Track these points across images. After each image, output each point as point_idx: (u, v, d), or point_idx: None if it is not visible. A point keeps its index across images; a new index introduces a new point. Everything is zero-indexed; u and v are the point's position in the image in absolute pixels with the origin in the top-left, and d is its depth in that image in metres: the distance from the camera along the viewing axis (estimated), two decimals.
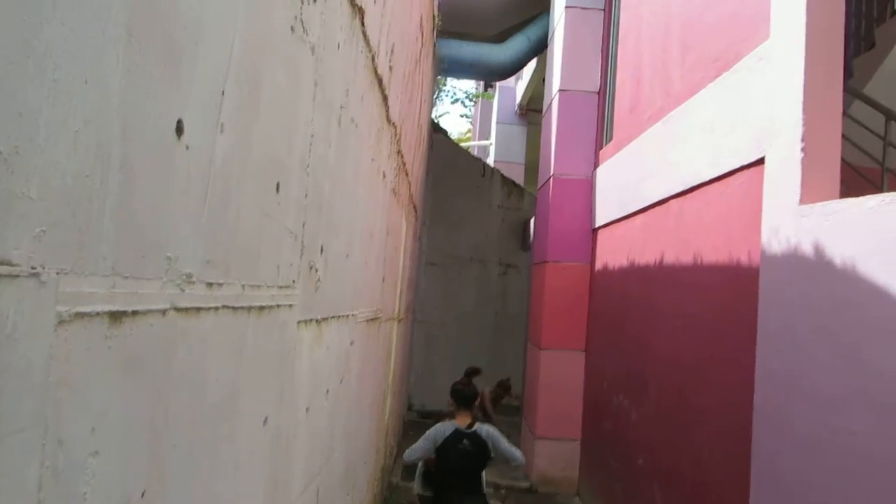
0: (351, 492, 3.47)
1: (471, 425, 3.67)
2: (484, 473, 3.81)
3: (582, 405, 6.41)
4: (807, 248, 2.42)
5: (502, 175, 10.61)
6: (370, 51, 2.85)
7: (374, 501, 4.76)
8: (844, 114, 3.82)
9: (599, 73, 6.55)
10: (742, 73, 3.15)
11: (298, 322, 1.92)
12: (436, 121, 11.28)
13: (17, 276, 0.67)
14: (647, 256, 4.64)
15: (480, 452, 3.64)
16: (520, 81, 13.82)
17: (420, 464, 4.21)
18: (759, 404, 2.73)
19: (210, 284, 1.20)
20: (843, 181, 2.61)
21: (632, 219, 5.06)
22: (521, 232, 10.23)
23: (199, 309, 1.15)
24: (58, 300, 0.74)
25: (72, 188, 0.75)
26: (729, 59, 3.32)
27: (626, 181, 5.25)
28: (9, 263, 0.65)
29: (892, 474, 2.00)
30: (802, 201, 2.52)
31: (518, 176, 13.15)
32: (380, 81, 3.21)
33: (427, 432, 3.72)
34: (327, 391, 2.49)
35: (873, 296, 2.06)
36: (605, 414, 5.52)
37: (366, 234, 3.29)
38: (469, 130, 22.23)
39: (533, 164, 12.47)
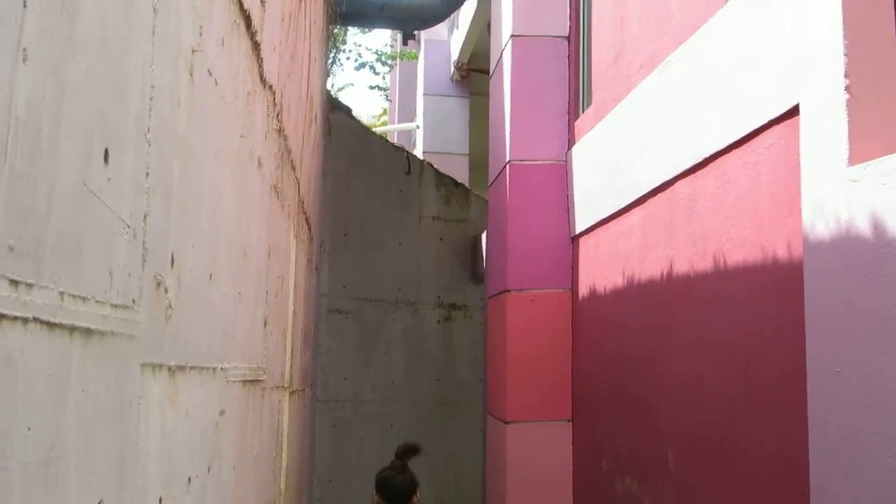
0: None
1: None
2: None
3: (572, 498, 6.53)
4: (863, 222, 2.62)
5: (437, 171, 10.72)
6: None
7: None
8: None
9: (569, 10, 6.81)
10: None
11: (143, 365, 1.96)
12: (334, 95, 11.38)
13: None
14: (650, 268, 4.84)
15: None
16: (455, 32, 14.11)
17: None
18: (816, 429, 2.92)
19: (15, 283, 1.25)
20: None
21: (626, 215, 5.27)
22: (469, 254, 10.35)
23: (1, 317, 1.20)
24: None
25: None
26: None
27: (614, 161, 5.48)
28: None
29: None
30: (852, 161, 2.73)
31: (461, 173, 13.34)
32: (247, 20, 3.30)
33: None
34: (189, 480, 2.52)
35: None
36: None
37: (237, 251, 3.35)
38: (385, 111, 22.44)
39: (481, 154, 12.69)
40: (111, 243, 1.69)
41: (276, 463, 5.15)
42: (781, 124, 3.25)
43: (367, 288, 10.08)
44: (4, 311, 1.20)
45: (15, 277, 1.24)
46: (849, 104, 2.77)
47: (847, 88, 2.77)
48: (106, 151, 1.64)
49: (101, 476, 1.64)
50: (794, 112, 3.15)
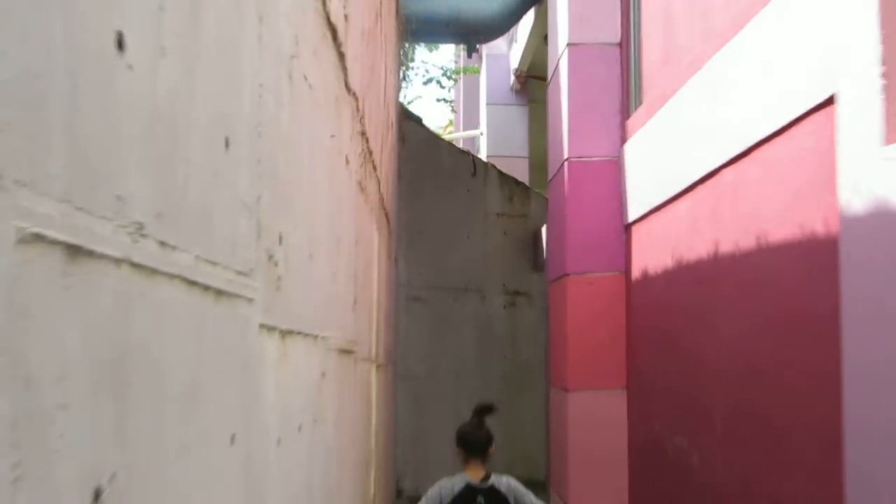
0: None
1: (486, 478, 3.79)
2: None
3: (627, 460, 6.54)
4: None
5: (500, 172, 10.75)
6: None
7: None
8: None
9: (619, 19, 6.80)
10: None
11: (260, 325, 2.06)
12: (406, 106, 11.49)
13: None
14: (697, 250, 4.83)
15: None
16: (514, 45, 14.11)
17: None
18: (851, 395, 2.89)
19: (163, 244, 1.34)
20: None
21: (675, 203, 5.26)
22: (530, 246, 10.37)
23: (153, 271, 1.29)
24: (17, 212, 0.88)
25: (21, 87, 0.90)
26: None
27: (663, 155, 5.46)
28: None
29: None
30: (888, 141, 2.71)
31: (521, 173, 13.34)
32: (334, 33, 3.39)
33: (429, 491, 3.84)
34: (299, 427, 2.62)
35: None
36: (659, 465, 5.66)
37: (331, 238, 3.45)
38: (451, 122, 22.53)
39: (540, 156, 12.67)
40: (233, 219, 1.78)
41: (368, 425, 5.26)
42: (820, 112, 3.23)
43: (439, 278, 10.18)
44: (156, 266, 1.29)
45: (162, 239, 1.32)
46: (884, 88, 2.75)
47: (883, 74, 2.75)
48: (227, 140, 1.73)
49: (232, 414, 1.73)
50: (830, 101, 3.13)
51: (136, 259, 1.21)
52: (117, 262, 1.14)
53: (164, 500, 1.30)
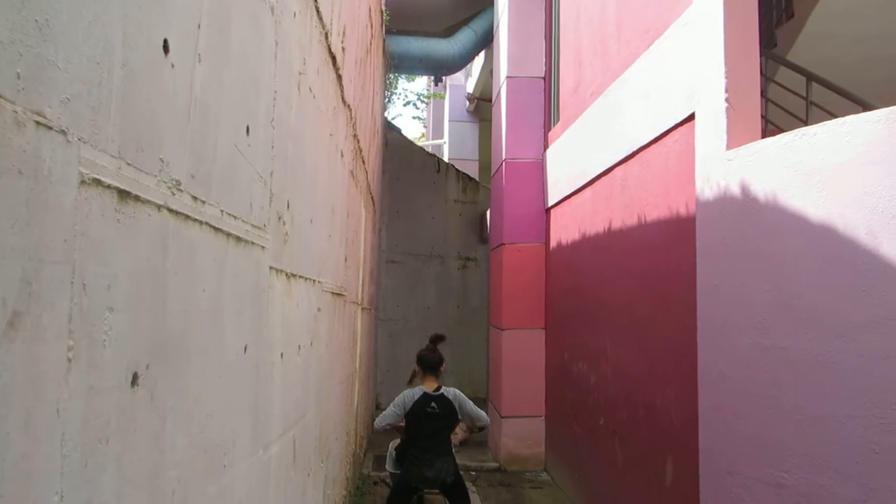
0: (325, 461, 3.59)
1: (437, 389, 3.83)
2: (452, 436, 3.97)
3: (545, 381, 6.63)
4: (734, 188, 2.65)
5: (457, 170, 10.81)
6: (323, 27, 3.00)
7: (346, 483, 4.86)
8: (770, 79, 4.13)
9: (544, 59, 6.80)
10: (671, 39, 3.40)
11: (271, 267, 2.05)
12: (390, 120, 11.43)
13: (51, 128, 0.81)
14: (596, 226, 4.88)
15: (448, 414, 3.80)
16: (470, 79, 14.09)
17: (391, 446, 4.35)
18: (702, 322, 2.96)
19: (195, 198, 1.33)
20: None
21: (580, 193, 5.30)
22: (478, 225, 10.44)
23: (187, 217, 1.28)
24: (80, 161, 0.88)
25: (87, 69, 0.89)
26: (659, 28, 3.57)
27: (573, 158, 5.49)
28: (44, 115, 0.79)
29: (817, 384, 2.24)
30: (729, 147, 2.76)
31: (473, 172, 13.36)
32: (333, 59, 3.36)
33: (396, 399, 3.87)
34: (299, 347, 2.62)
35: (791, 219, 2.30)
36: (567, 384, 5.73)
37: (327, 209, 3.43)
38: (423, 134, 22.42)
39: (486, 160, 12.73)
40: (251, 186, 1.77)
41: (354, 351, 5.26)
42: (683, 126, 3.28)
43: (411, 246, 10.25)
44: (189, 213, 1.29)
45: (195, 194, 1.32)
46: (727, 111, 2.80)
47: (727, 100, 2.80)
48: (248, 127, 1.72)
49: (246, 331, 1.74)
50: (691, 118, 3.17)
51: (174, 206, 1.21)
52: (158, 207, 1.14)
53: (188, 389, 1.31)
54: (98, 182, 0.92)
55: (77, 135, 0.86)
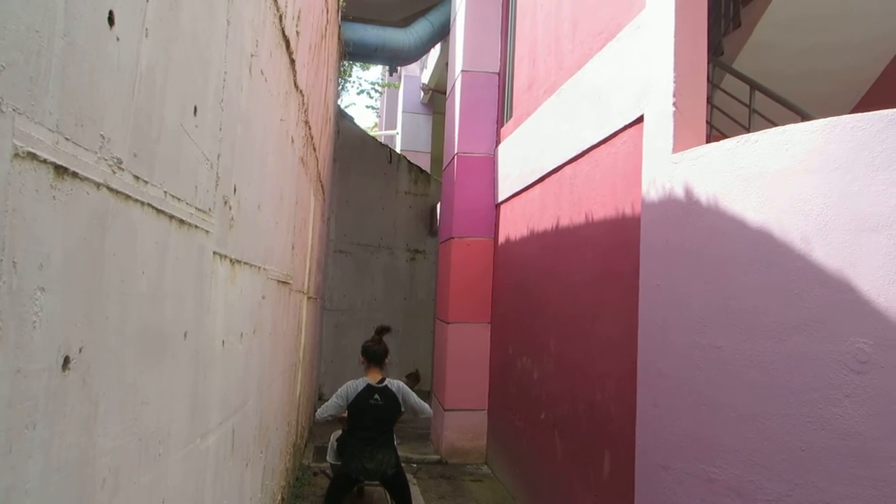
0: (265, 452, 3.54)
1: (381, 381, 3.82)
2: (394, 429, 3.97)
3: (488, 375, 6.68)
4: (679, 190, 2.72)
5: (409, 161, 10.76)
6: (278, 10, 2.94)
7: (286, 474, 4.81)
8: (717, 86, 4.25)
9: (499, 54, 6.83)
10: (623, 41, 3.46)
11: (214, 252, 2.00)
12: (343, 109, 11.30)
13: None
14: (544, 223, 4.94)
15: (391, 407, 3.79)
16: (425, 70, 14.04)
17: (332, 437, 4.32)
18: (643, 321, 3.03)
19: (137, 178, 1.29)
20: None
21: (530, 190, 5.35)
22: (428, 217, 10.44)
23: (128, 197, 1.24)
24: (14, 133, 0.84)
25: (25, 37, 0.85)
26: (612, 30, 3.63)
27: (525, 155, 5.54)
28: None
29: (749, 383, 2.33)
30: (675, 150, 2.83)
31: (425, 164, 13.36)
32: (287, 43, 3.29)
33: (339, 390, 3.85)
34: (241, 335, 2.57)
35: (731, 223, 2.38)
36: (510, 378, 5.80)
37: (276, 196, 3.37)
38: (376, 124, 22.25)
39: (439, 153, 12.73)
40: (196, 168, 1.72)
41: (298, 340, 5.20)
42: (632, 128, 3.34)
43: (360, 237, 10.18)
44: (130, 194, 1.25)
45: (137, 174, 1.28)
46: (674, 115, 2.87)
47: (674, 104, 2.86)
48: (195, 108, 1.67)
49: (187, 317, 1.69)
50: (640, 120, 3.24)
51: (114, 185, 1.17)
52: (98, 185, 1.10)
53: (123, 374, 1.27)
54: (33, 156, 0.88)
55: (12, 105, 0.83)
